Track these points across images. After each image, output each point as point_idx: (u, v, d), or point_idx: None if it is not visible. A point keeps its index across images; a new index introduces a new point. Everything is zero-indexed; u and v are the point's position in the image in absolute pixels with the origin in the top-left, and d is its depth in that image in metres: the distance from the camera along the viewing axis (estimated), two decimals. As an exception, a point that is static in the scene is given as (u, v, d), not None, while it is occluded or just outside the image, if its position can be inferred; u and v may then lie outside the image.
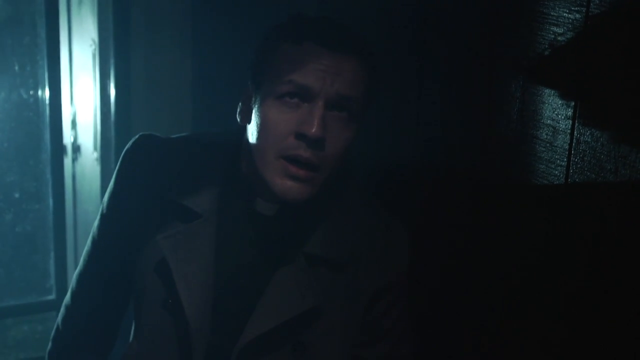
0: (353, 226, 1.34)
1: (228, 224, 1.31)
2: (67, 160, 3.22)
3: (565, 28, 1.19)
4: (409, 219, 1.47)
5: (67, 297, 1.47)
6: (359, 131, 1.25)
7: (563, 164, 1.20)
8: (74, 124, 3.25)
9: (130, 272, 1.38)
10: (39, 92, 3.00)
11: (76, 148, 3.24)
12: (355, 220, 1.35)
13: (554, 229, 1.22)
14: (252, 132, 1.24)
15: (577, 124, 1.17)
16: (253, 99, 1.25)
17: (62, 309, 1.48)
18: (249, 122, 1.26)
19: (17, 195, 3.10)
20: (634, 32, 1.07)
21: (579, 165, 1.17)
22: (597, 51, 1.13)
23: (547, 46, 1.22)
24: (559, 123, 1.20)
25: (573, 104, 1.17)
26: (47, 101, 2.94)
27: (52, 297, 3.14)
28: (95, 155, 2.98)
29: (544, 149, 1.24)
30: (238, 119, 1.31)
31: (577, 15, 1.16)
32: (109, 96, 2.80)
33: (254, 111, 1.24)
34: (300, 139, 1.18)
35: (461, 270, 1.45)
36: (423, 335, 1.52)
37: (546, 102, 1.23)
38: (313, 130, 1.16)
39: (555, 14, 1.20)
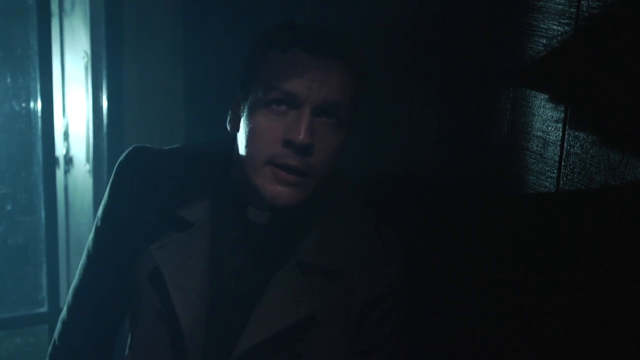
0: (346, 234, 1.34)
1: (221, 232, 1.31)
2: (60, 172, 3.21)
3: (554, 40, 1.20)
4: (400, 228, 1.47)
5: (64, 312, 1.47)
6: (349, 137, 1.25)
7: (553, 175, 1.21)
8: (66, 135, 3.25)
9: (126, 284, 1.38)
10: (31, 104, 2.99)
11: (68, 160, 3.24)
12: (348, 228, 1.35)
13: (545, 239, 1.23)
14: (241, 141, 1.25)
15: (567, 136, 1.18)
16: (242, 107, 1.26)
17: (59, 325, 1.48)
18: (238, 130, 1.27)
19: (8, 207, 3.08)
20: (623, 44, 1.08)
21: (569, 177, 1.18)
22: (586, 63, 1.14)
23: (536, 58, 1.23)
24: (549, 135, 1.21)
25: (563, 115, 1.18)
26: (39, 113, 2.93)
27: (44, 309, 3.12)
28: (88, 167, 2.97)
29: (534, 161, 1.25)
30: (228, 128, 1.31)
31: (567, 28, 1.17)
32: (101, 108, 2.80)
33: (242, 119, 1.25)
34: (288, 146, 1.18)
35: (453, 278, 1.46)
36: (418, 344, 1.52)
37: (536, 113, 1.24)
38: (300, 137, 1.16)
39: (544, 27, 1.21)
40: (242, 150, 1.24)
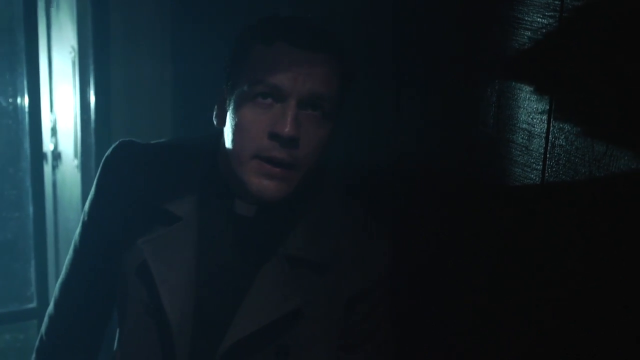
0: (333, 227, 1.34)
1: (208, 226, 1.31)
2: (47, 168, 3.20)
3: (539, 33, 1.20)
4: (387, 221, 1.48)
5: (51, 307, 1.46)
6: (335, 130, 1.25)
7: (539, 167, 1.21)
8: (54, 131, 3.23)
9: (113, 279, 1.38)
10: (19, 100, 2.98)
11: (56, 155, 3.23)
12: (335, 221, 1.35)
13: (530, 231, 1.24)
14: (227, 134, 1.25)
15: (552, 128, 1.18)
16: (228, 101, 1.26)
17: (46, 320, 1.47)
18: (225, 124, 1.27)
19: (-4, 203, 3.08)
20: (607, 36, 1.09)
21: (554, 169, 1.18)
22: (571, 55, 1.15)
23: (521, 50, 1.24)
24: (534, 127, 1.22)
25: (548, 108, 1.19)
26: (27, 109, 2.93)
27: (33, 305, 3.12)
28: (76, 162, 2.97)
29: (519, 153, 1.25)
30: (215, 122, 1.31)
31: (551, 20, 1.18)
32: (89, 103, 2.79)
33: (228, 113, 1.25)
34: (274, 138, 1.18)
35: (439, 271, 1.46)
36: (407, 338, 1.52)
37: (521, 106, 1.24)
38: (286, 130, 1.16)
39: (529, 19, 1.22)
40: (228, 144, 1.24)
